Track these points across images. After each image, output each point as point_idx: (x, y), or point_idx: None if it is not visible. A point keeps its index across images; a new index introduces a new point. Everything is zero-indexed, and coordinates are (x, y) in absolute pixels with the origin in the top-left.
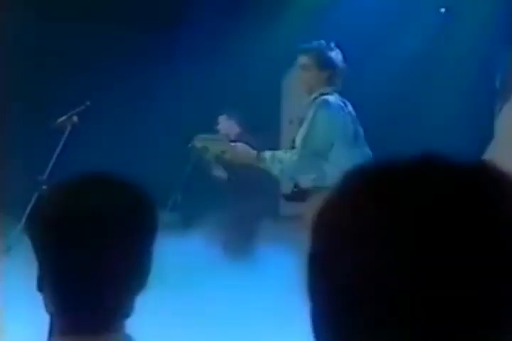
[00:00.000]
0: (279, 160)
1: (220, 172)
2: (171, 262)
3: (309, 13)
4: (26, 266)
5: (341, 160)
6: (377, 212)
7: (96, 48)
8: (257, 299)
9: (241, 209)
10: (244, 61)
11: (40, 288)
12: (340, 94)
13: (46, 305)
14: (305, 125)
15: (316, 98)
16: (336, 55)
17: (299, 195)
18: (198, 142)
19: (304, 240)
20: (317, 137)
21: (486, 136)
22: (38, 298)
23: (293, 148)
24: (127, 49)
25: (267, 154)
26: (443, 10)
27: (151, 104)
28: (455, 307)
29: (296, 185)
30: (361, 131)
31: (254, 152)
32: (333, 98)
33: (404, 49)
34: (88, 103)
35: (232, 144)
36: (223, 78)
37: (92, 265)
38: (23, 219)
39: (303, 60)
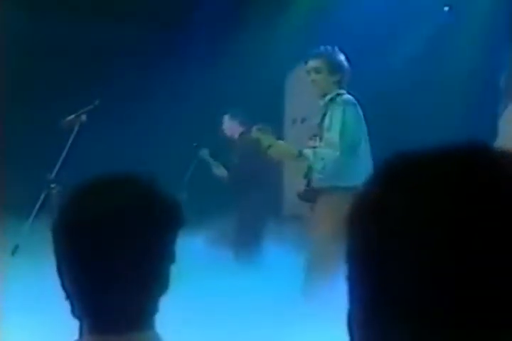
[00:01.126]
0: (322, 157)
1: (219, 171)
2: (176, 261)
3: (313, 12)
4: (33, 264)
5: (365, 158)
6: (417, 199)
7: (105, 48)
8: (261, 298)
9: (245, 208)
10: (247, 61)
11: (65, 291)
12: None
13: (72, 307)
14: (335, 123)
15: (333, 98)
16: (343, 59)
17: (311, 194)
18: (255, 133)
19: (307, 239)
20: (351, 132)
21: (490, 135)
22: (44, 296)
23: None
24: (134, 48)
25: (309, 152)
26: (447, 8)
27: (157, 103)
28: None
29: (308, 184)
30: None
31: (296, 149)
32: (353, 98)
33: (407, 48)
34: (97, 102)
35: (276, 140)
36: (227, 78)
37: (117, 264)
38: (31, 218)
39: (315, 63)
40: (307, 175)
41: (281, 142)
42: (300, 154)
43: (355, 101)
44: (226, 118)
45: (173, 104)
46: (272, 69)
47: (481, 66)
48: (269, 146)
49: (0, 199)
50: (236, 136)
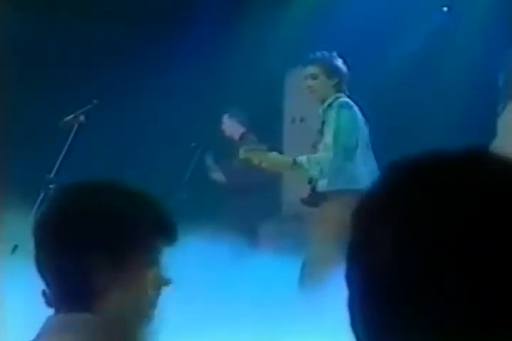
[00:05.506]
0: (317, 162)
1: (218, 176)
2: (173, 261)
3: (312, 12)
4: (33, 264)
5: (363, 162)
6: (420, 202)
7: (104, 47)
8: (261, 298)
9: (244, 208)
10: (247, 60)
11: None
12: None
13: (47, 298)
14: (329, 127)
15: (331, 103)
16: (341, 63)
17: (316, 198)
18: (243, 154)
19: (306, 239)
20: (346, 135)
21: (489, 135)
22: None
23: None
24: (133, 48)
25: (303, 159)
26: (445, 9)
27: (156, 103)
28: (499, 297)
29: (313, 189)
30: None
31: (290, 159)
32: (350, 101)
33: (406, 48)
34: (96, 102)
35: (268, 153)
36: (226, 77)
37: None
38: (31, 218)
39: (310, 69)
40: (311, 181)
41: (274, 154)
42: (295, 162)
43: (352, 104)
44: (226, 117)
45: (173, 104)
46: (271, 69)
47: (481, 66)
48: (261, 162)
49: None
50: (236, 135)
